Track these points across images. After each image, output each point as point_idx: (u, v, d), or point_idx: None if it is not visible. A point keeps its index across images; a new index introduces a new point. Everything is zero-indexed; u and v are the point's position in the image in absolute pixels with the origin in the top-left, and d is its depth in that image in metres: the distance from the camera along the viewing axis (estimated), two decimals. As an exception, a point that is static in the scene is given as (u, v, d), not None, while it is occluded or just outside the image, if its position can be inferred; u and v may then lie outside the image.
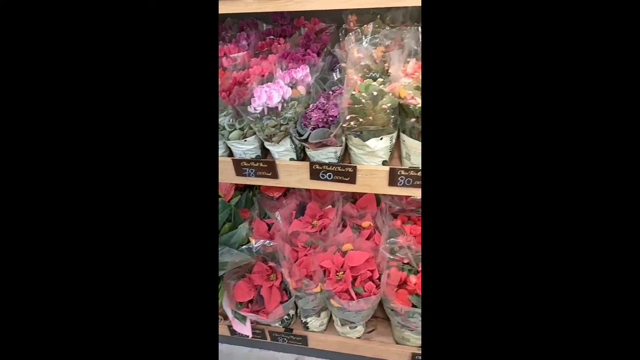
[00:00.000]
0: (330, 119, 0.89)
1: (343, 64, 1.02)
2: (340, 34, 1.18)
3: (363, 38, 1.07)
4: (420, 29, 1.04)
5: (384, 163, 0.97)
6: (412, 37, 1.01)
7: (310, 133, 0.88)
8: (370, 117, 0.84)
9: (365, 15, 1.31)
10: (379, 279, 1.00)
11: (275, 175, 1.02)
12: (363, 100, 0.84)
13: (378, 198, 1.27)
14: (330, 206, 1.23)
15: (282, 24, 1.36)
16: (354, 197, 1.28)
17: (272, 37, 1.26)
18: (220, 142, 1.03)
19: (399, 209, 1.24)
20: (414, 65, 0.91)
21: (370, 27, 1.10)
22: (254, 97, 0.89)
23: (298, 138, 0.91)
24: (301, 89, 0.96)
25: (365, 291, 0.97)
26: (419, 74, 0.87)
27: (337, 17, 1.35)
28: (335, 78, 1.10)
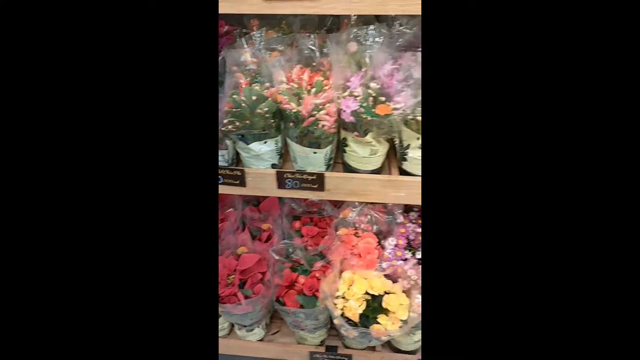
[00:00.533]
0: (212, 122, 0.88)
1: (234, 67, 1.02)
2: (237, 38, 1.18)
3: (257, 42, 1.08)
4: (313, 36, 1.06)
5: (274, 166, 0.99)
6: (304, 43, 1.03)
7: (191, 136, 0.88)
8: (248, 121, 0.85)
9: (270, 20, 1.32)
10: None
11: (163, 179, 1.00)
12: (242, 104, 0.85)
13: (283, 201, 1.29)
14: (232, 209, 1.23)
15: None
16: (257, 200, 1.29)
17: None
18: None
19: (302, 210, 1.26)
20: (298, 72, 0.93)
21: (262, 31, 1.11)
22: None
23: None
24: (186, 92, 0.95)
25: (254, 293, 0.98)
26: (300, 81, 0.89)
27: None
28: (232, 81, 1.10)
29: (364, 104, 0.78)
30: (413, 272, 0.98)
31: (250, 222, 1.20)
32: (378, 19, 1.10)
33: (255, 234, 1.19)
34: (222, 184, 0.99)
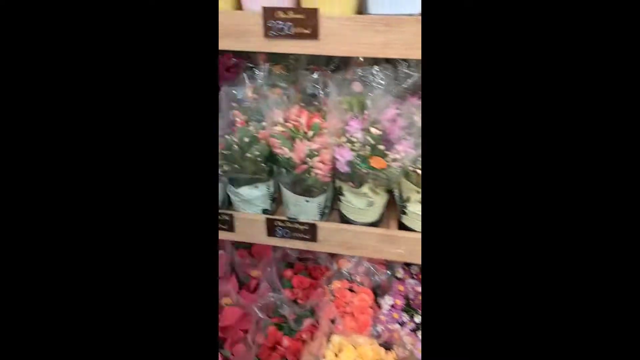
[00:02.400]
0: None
1: (233, 104, 0.97)
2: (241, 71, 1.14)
3: (259, 78, 1.03)
4: (317, 74, 1.01)
5: (265, 211, 0.92)
6: (307, 81, 0.98)
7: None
8: (237, 165, 0.79)
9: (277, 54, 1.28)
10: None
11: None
12: (234, 146, 0.79)
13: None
14: (222, 251, 1.15)
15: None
16: (249, 244, 1.20)
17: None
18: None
19: (295, 257, 1.17)
20: (297, 112, 0.87)
21: (267, 66, 1.06)
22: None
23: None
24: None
25: (232, 355, 0.88)
26: (297, 123, 0.83)
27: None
28: (233, 117, 1.04)
29: (360, 153, 0.71)
30: (409, 339, 0.88)
31: (239, 267, 1.11)
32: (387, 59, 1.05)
33: (245, 280, 1.10)
34: (208, 227, 0.92)
